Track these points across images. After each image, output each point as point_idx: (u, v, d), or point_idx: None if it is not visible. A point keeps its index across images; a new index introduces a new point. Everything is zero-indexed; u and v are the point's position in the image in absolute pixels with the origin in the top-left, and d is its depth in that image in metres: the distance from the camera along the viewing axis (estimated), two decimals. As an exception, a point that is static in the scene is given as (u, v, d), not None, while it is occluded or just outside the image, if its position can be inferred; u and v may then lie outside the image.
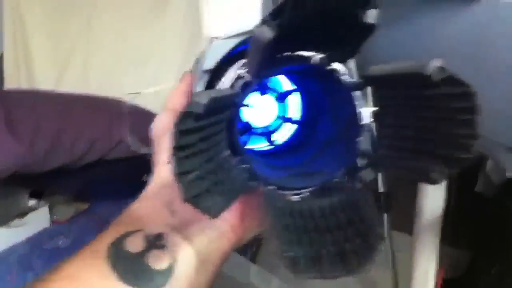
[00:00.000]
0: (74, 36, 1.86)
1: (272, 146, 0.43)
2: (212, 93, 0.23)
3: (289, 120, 0.43)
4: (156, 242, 0.31)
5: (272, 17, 0.22)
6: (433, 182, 0.26)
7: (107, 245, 0.30)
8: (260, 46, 0.23)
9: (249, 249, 1.56)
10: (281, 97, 0.42)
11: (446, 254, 1.89)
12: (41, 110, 1.19)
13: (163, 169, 0.36)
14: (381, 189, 1.62)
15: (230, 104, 0.28)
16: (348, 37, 0.27)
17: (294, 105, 0.43)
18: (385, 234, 1.66)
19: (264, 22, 0.22)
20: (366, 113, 0.31)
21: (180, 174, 0.23)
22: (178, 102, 0.40)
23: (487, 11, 0.40)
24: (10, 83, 1.79)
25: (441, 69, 0.23)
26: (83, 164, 1.23)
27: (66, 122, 1.18)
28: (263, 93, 0.41)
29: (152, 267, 0.30)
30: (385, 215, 1.64)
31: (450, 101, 0.24)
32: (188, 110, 0.22)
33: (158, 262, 0.30)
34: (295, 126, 0.43)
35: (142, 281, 0.29)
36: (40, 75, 1.84)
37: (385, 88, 0.30)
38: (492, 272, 1.26)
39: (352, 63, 0.33)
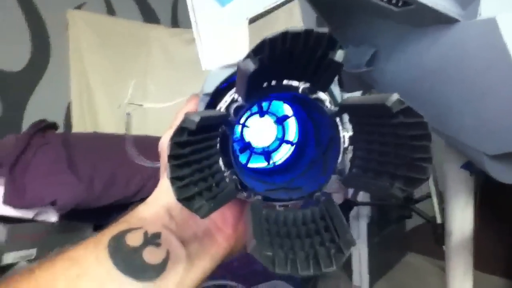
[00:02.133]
0: (132, 90, 2.05)
1: (270, 165, 0.47)
2: (203, 113, 0.27)
3: (285, 141, 0.47)
4: (153, 240, 0.35)
5: (254, 52, 0.26)
6: (395, 197, 0.30)
7: (109, 237, 0.34)
8: (245, 76, 0.27)
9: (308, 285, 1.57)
10: (279, 120, 0.46)
11: (484, 281, 1.77)
12: (98, 151, 1.32)
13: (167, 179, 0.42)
14: (439, 220, 1.57)
15: (222, 123, 0.33)
16: (322, 72, 0.32)
17: (293, 129, 0.47)
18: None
19: (248, 56, 0.26)
20: (345, 137, 0.36)
21: (173, 178, 0.27)
22: None
23: (466, 29, 0.43)
24: (77, 129, 1.98)
25: (400, 101, 0.26)
26: (138, 199, 1.33)
27: (121, 162, 1.29)
28: (262, 115, 0.45)
29: (146, 261, 0.33)
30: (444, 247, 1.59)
31: (407, 129, 0.28)
32: (182, 126, 0.26)
33: (152, 257, 0.33)
34: (292, 148, 0.47)
35: (135, 272, 0.32)
36: (104, 122, 2.02)
37: (357, 116, 0.34)
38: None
39: (337, 90, 0.37)
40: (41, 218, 1.16)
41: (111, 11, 2.26)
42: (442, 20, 0.45)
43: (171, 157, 0.27)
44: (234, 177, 0.34)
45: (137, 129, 1.44)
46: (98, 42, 2.07)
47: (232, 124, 0.34)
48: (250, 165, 0.46)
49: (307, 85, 0.34)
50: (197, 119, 0.26)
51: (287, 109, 0.45)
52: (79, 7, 2.13)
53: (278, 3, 0.41)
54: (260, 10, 0.40)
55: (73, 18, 2.04)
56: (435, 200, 1.65)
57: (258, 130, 0.46)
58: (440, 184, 1.36)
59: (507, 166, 0.39)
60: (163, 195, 0.39)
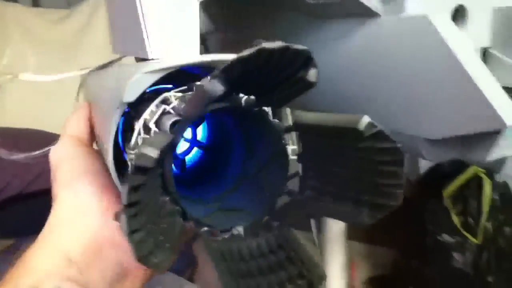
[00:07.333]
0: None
1: (181, 172, 0.41)
2: (156, 144, 0.22)
3: (193, 142, 0.42)
4: None
5: (224, 73, 0.22)
6: (361, 225, 0.27)
7: None
8: (209, 98, 0.23)
9: (186, 268, 1.55)
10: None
11: (370, 253, 2.01)
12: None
13: (61, 207, 0.34)
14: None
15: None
16: (285, 88, 0.28)
17: (204, 130, 0.43)
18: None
19: (215, 77, 0.23)
20: (289, 151, 0.31)
21: (130, 233, 0.22)
22: (77, 128, 0.40)
23: (387, 25, 0.46)
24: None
25: (371, 124, 0.25)
26: (1, 200, 1.17)
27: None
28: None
29: None
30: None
31: (376, 154, 0.26)
32: (138, 165, 0.21)
33: None
34: (200, 151, 0.43)
35: None
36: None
37: (311, 134, 0.30)
38: (412, 265, 1.36)
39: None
40: None
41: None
42: (361, 13, 0.46)
43: (126, 206, 0.21)
44: (177, 207, 0.28)
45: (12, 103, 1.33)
46: None
47: (174, 146, 0.28)
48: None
49: (252, 97, 0.29)
50: (155, 154, 0.22)
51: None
52: None
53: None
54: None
55: None
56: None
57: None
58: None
59: (442, 148, 0.44)
60: (55, 234, 0.33)
